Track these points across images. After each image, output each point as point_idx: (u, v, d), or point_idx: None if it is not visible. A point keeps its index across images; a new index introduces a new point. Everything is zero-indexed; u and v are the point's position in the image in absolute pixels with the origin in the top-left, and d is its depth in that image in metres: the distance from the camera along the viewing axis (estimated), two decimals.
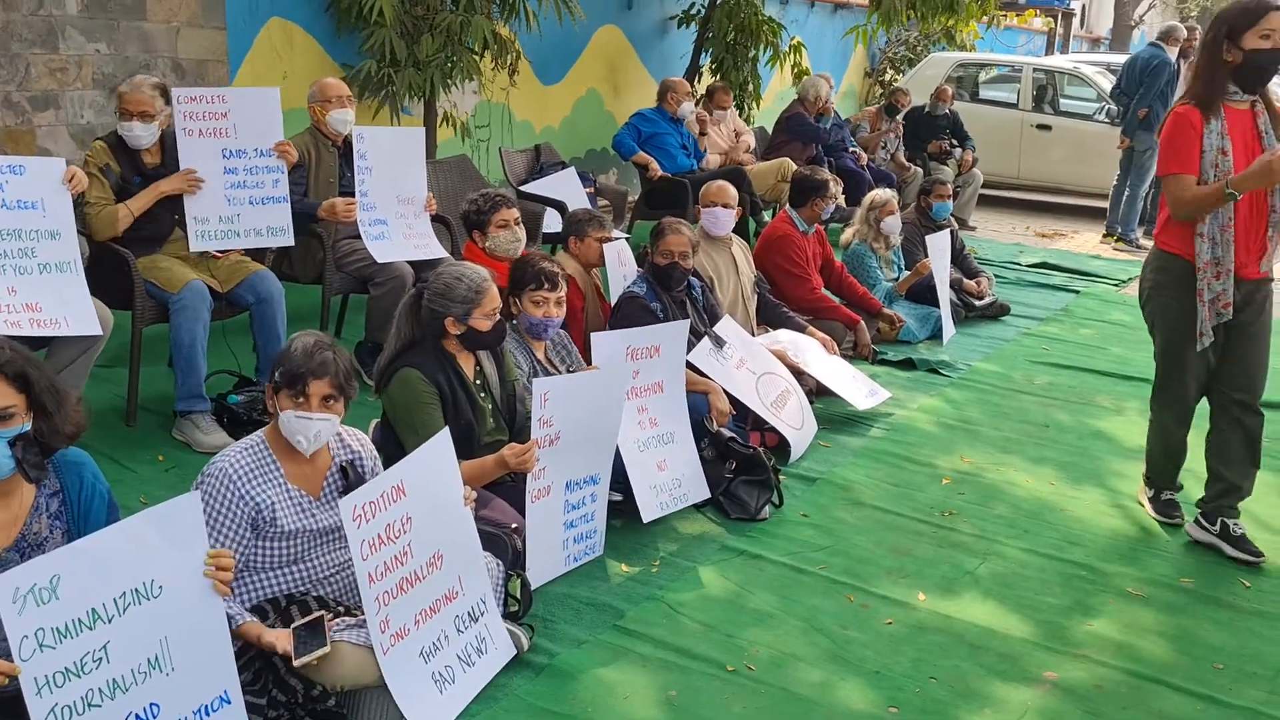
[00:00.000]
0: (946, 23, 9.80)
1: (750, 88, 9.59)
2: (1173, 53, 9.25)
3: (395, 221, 4.80)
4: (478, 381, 3.46)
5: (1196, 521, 3.92)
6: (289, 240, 4.56)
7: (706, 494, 3.92)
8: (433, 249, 4.84)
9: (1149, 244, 9.51)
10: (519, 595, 3.05)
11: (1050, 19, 17.95)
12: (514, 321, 3.88)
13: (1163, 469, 4.07)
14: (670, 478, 3.83)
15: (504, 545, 3.08)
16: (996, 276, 8.02)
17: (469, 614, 2.69)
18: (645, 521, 3.70)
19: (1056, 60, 13.33)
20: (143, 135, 4.19)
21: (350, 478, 2.73)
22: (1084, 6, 24.73)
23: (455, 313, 3.34)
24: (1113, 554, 3.81)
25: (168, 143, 4.33)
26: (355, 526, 2.35)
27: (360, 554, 2.36)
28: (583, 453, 3.40)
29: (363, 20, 6.49)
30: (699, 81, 9.29)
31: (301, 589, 2.66)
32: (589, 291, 4.77)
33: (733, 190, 5.33)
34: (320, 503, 2.68)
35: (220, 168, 4.36)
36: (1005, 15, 15.74)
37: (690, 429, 3.96)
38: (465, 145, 7.76)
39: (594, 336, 3.73)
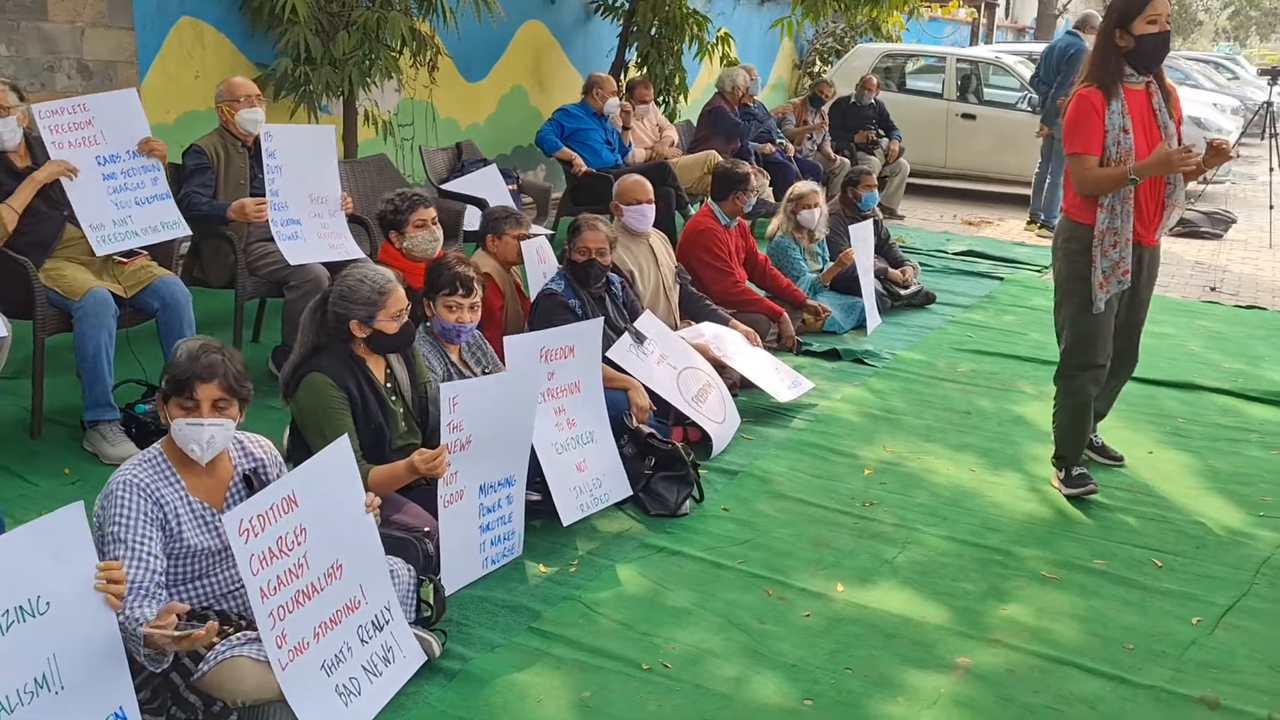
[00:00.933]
0: (870, 14, 9.87)
1: (677, 81, 9.58)
2: (1089, 40, 9.39)
3: (309, 221, 4.72)
4: (388, 385, 3.40)
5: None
6: (184, 230, 4.54)
7: (628, 491, 3.90)
8: (349, 249, 4.76)
9: None
10: (432, 601, 3.00)
11: (974, 10, 18.19)
12: (428, 323, 3.82)
13: (1073, 440, 4.19)
14: (590, 478, 3.80)
15: (415, 550, 3.03)
16: (923, 265, 8.11)
17: (373, 623, 2.64)
18: (565, 524, 3.66)
19: (979, 51, 13.51)
20: (2, 130, 4.05)
21: (255, 486, 2.66)
22: None
23: (359, 315, 3.28)
24: (1029, 538, 3.85)
25: (35, 147, 4.22)
26: (242, 541, 2.28)
27: (250, 569, 2.30)
28: (496, 455, 3.36)
29: (276, 18, 6.38)
30: (625, 76, 9.26)
31: (204, 604, 2.59)
32: (508, 290, 4.72)
33: (649, 185, 5.30)
34: (224, 515, 2.61)
35: (99, 175, 4.32)
36: (929, 7, 15.93)
37: (610, 427, 3.94)
38: (388, 144, 7.66)
39: (506, 340, 3.68)
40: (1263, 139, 11.56)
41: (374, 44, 6.57)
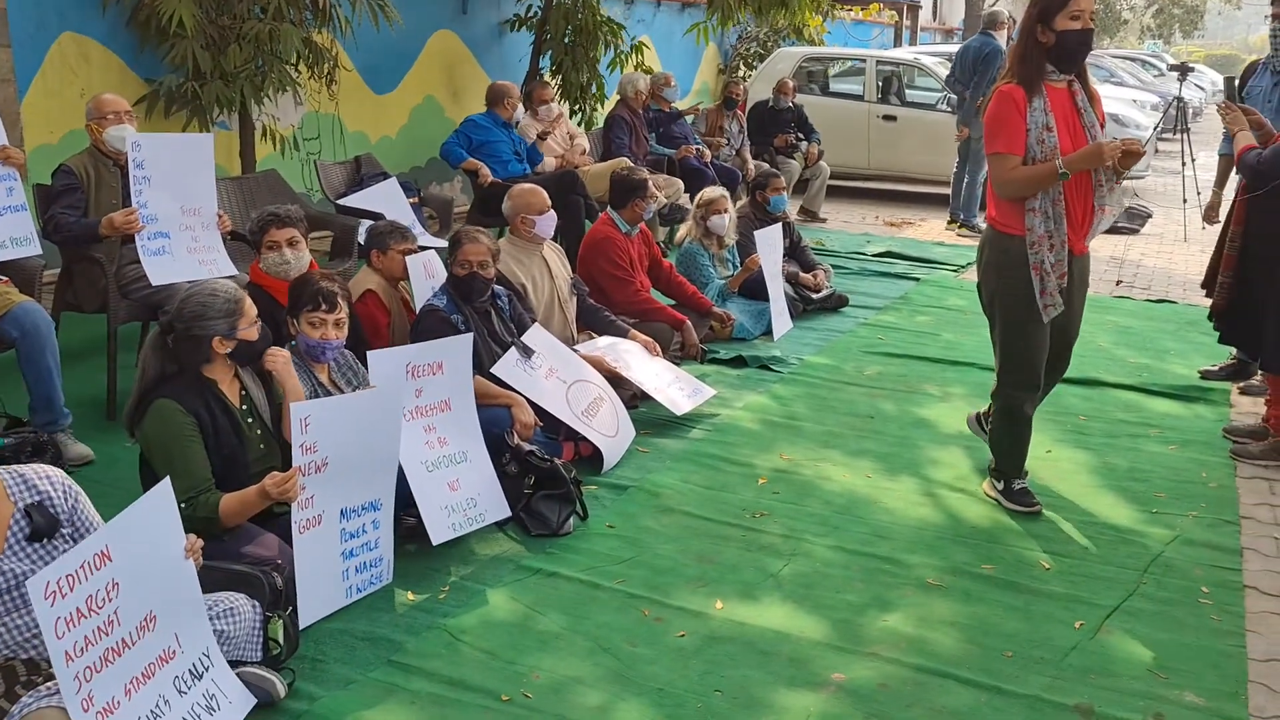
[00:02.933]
0: (784, 18, 9.84)
1: (595, 89, 9.48)
2: (1001, 38, 9.45)
3: (179, 234, 4.54)
4: (243, 406, 3.25)
5: (977, 418, 4.43)
6: (35, 249, 4.35)
7: (506, 512, 3.77)
8: (220, 265, 4.58)
9: None
10: (281, 638, 2.86)
11: (895, 12, 18.31)
12: (293, 343, 3.68)
13: (1011, 456, 4.06)
14: (464, 497, 3.67)
15: (262, 585, 2.88)
16: (841, 267, 8.09)
17: (190, 672, 2.48)
18: (435, 544, 3.53)
19: (900, 53, 13.56)
20: None
21: (38, 520, 2.45)
22: (936, 0, 25.35)
23: (221, 330, 3.15)
24: (918, 545, 3.78)
25: None
26: (48, 605, 2.11)
27: (55, 632, 2.12)
28: (358, 478, 3.23)
29: (163, 33, 6.19)
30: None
31: (6, 653, 2.42)
32: (394, 306, 4.58)
33: (543, 191, 5.20)
34: (7, 555, 2.43)
35: None
36: (848, 10, 15.99)
37: (485, 446, 3.81)
38: (292, 159, 7.49)
39: (370, 355, 3.55)
40: (1175, 134, 11.69)
41: (267, 57, 6.40)
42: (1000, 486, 4.10)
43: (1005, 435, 4.05)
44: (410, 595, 3.34)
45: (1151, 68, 22.20)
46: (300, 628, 3.02)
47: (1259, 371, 5.45)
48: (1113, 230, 9.95)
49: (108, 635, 2.24)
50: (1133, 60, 22.63)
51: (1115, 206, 3.80)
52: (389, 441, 3.30)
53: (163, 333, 3.19)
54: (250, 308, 3.25)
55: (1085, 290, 3.99)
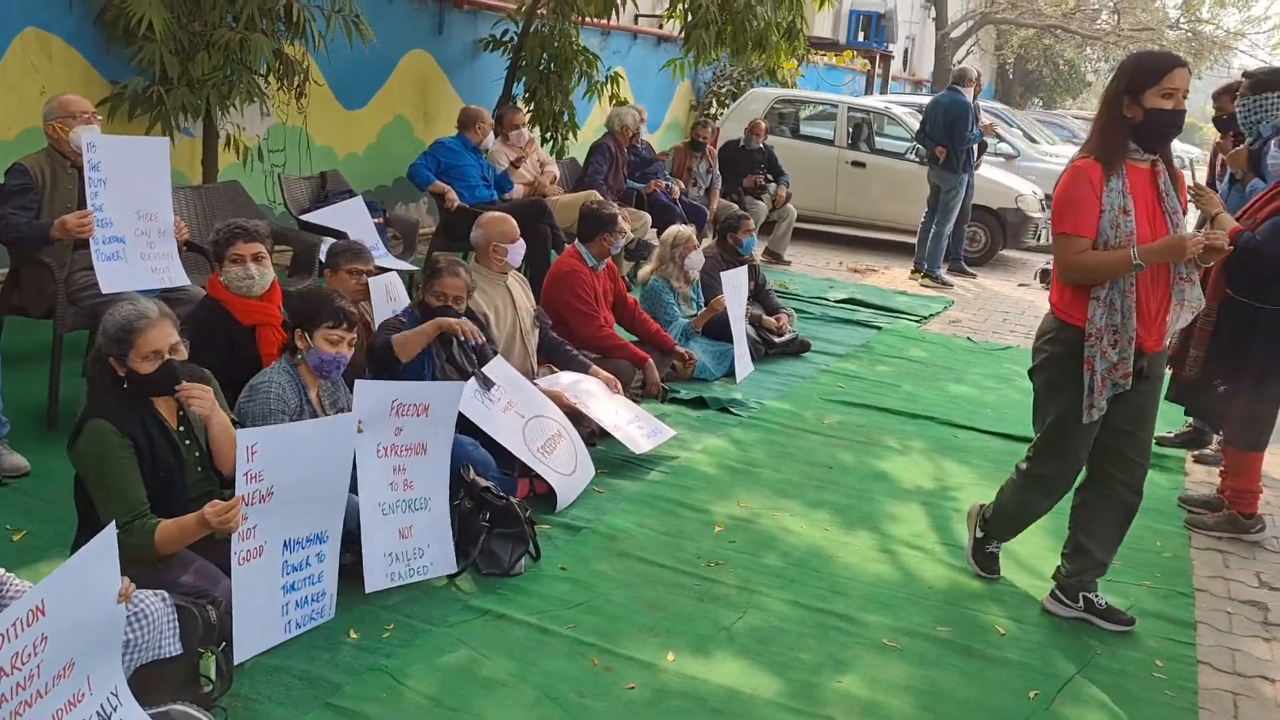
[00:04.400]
0: (757, 60, 9.88)
1: (567, 118, 9.44)
2: (969, 94, 9.57)
3: (133, 240, 4.40)
4: (181, 428, 3.12)
5: (1054, 596, 3.74)
6: None
7: (453, 568, 3.61)
8: (174, 275, 4.45)
9: (954, 280, 9.76)
10: (213, 674, 2.73)
11: (867, 60, 18.52)
12: (298, 356, 3.58)
13: (1007, 521, 3.86)
14: (412, 546, 3.53)
15: (194, 619, 2.75)
16: (804, 312, 8.08)
17: (99, 713, 2.34)
18: (369, 591, 3.39)
19: (871, 100, 13.68)
20: None
21: None
22: (907, 50, 25.72)
23: (114, 353, 3.00)
24: (874, 602, 3.73)
25: None
26: None
27: None
28: (304, 509, 3.11)
29: (131, 34, 6.06)
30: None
31: None
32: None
33: (513, 220, 5.13)
34: None
35: None
36: (822, 55, 16.15)
37: (448, 498, 3.67)
38: (255, 171, 7.35)
39: (358, 384, 3.44)
40: None
41: (236, 66, 6.29)
42: (979, 535, 3.94)
43: (1014, 504, 3.77)
44: (352, 633, 3.22)
45: None
46: (235, 664, 2.89)
47: (1214, 441, 5.49)
48: None
49: (24, 689, 2.11)
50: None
51: (1195, 302, 3.43)
52: (340, 471, 3.19)
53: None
54: (148, 342, 2.96)
55: (1158, 396, 3.60)
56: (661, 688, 3.09)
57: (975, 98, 9.73)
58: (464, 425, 3.91)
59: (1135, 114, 3.25)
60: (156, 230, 4.50)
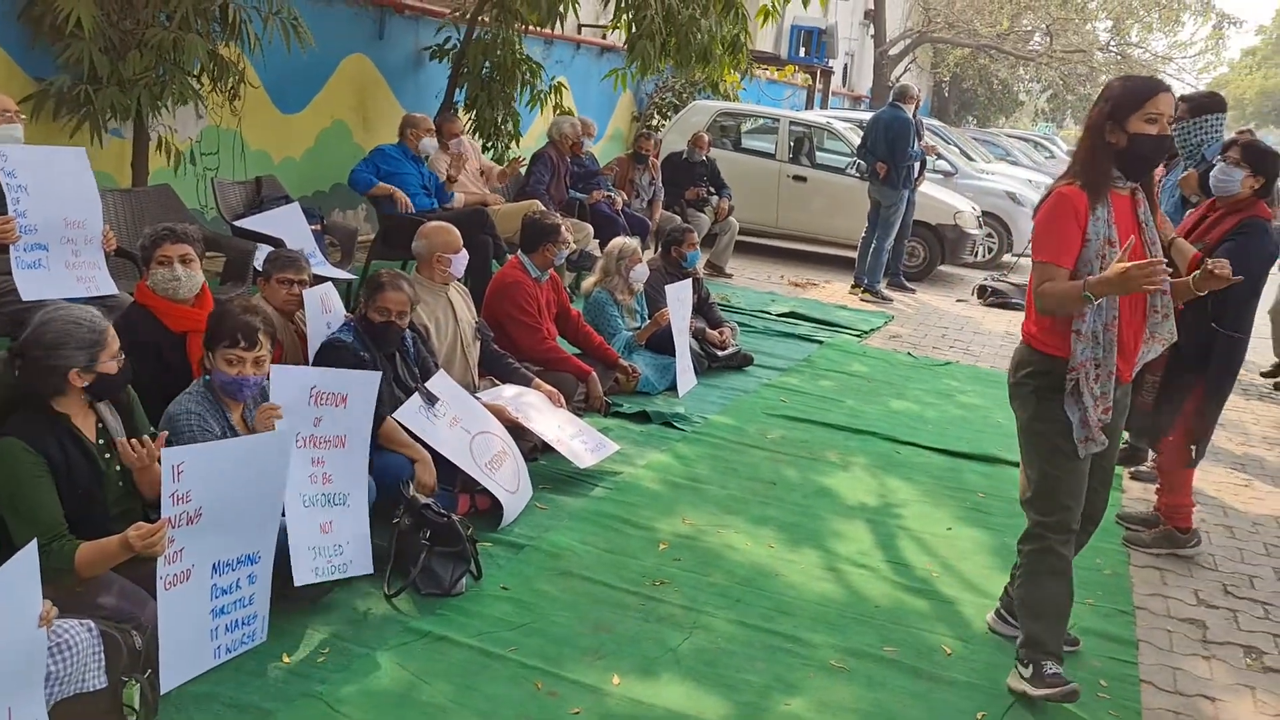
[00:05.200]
0: (700, 72, 9.87)
1: (509, 127, 9.34)
2: (910, 111, 9.66)
3: (58, 248, 4.22)
4: (100, 441, 2.98)
5: (999, 615, 3.69)
6: None
7: (370, 568, 3.52)
8: (100, 284, 4.28)
9: (894, 295, 9.72)
10: (137, 704, 2.60)
11: (809, 76, 18.68)
12: (207, 378, 3.43)
13: (1044, 620, 3.28)
14: (332, 542, 3.43)
15: (119, 646, 2.62)
16: (745, 325, 8.06)
17: None
18: (297, 585, 3.27)
19: (812, 115, 13.76)
20: None
21: None
22: (846, 66, 25.99)
23: (79, 362, 2.88)
24: (820, 622, 3.69)
25: None
26: None
27: None
28: (234, 529, 2.99)
29: (58, 31, 5.84)
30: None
31: None
32: (288, 339, 4.33)
33: (456, 230, 5.03)
34: None
35: None
36: (764, 69, 16.23)
37: (366, 496, 3.58)
38: (187, 175, 7.14)
39: (274, 370, 3.34)
40: None
41: (169, 67, 6.10)
42: (1028, 673, 3.24)
43: (1038, 592, 3.32)
44: (285, 657, 3.10)
45: (1044, 149, 23.05)
46: (161, 692, 2.76)
47: (1149, 458, 5.55)
48: (1007, 306, 10.18)
49: None
50: (1026, 140, 23.47)
51: (1168, 335, 3.30)
52: (273, 490, 3.08)
53: (12, 357, 2.91)
54: (113, 339, 2.99)
55: (1123, 422, 3.45)
56: (607, 713, 3.02)
57: (915, 114, 9.83)
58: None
59: (1119, 139, 3.14)
60: (83, 238, 4.33)
